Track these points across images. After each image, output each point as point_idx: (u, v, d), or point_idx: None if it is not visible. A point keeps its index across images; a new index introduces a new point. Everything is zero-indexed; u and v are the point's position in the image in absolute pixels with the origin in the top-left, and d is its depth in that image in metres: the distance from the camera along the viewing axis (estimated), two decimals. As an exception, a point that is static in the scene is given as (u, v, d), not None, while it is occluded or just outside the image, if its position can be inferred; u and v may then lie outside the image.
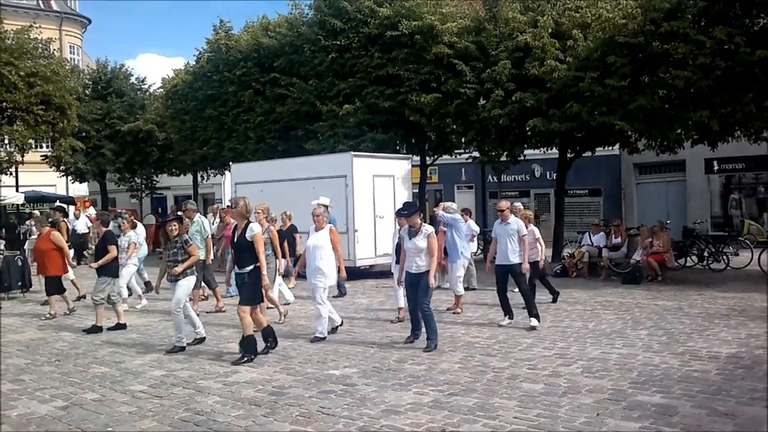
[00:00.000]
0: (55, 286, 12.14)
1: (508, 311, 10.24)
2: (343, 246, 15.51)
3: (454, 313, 11.36)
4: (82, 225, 22.59)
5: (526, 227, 10.64)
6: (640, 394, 6.45)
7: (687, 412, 5.90)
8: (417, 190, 21.26)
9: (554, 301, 12.10)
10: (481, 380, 7.10)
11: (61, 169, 31.15)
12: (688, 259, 16.87)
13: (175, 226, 9.14)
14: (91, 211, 29.15)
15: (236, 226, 8.61)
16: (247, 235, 8.22)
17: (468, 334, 9.57)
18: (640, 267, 15.00)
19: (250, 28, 23.84)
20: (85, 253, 19.98)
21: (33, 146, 25.79)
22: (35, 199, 28.89)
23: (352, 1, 19.46)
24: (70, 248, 13.41)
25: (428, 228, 8.85)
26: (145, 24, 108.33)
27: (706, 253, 16.84)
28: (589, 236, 16.80)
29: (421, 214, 9.54)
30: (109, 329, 10.59)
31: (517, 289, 10.48)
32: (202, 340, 9.38)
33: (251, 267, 8.20)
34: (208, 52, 24.49)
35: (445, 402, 6.37)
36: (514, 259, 9.97)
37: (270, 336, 8.67)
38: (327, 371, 7.67)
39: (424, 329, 8.82)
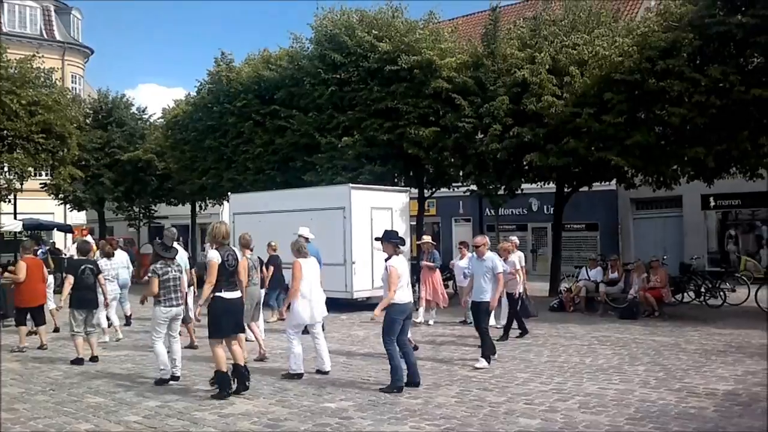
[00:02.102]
0: (20, 317, 11.72)
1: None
2: (340, 277, 15.55)
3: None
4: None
5: (506, 258, 10.61)
6: (637, 431, 6.42)
7: (684, 450, 5.88)
8: (414, 223, 21.32)
9: (521, 336, 11.99)
10: (477, 415, 7.07)
11: (59, 197, 31.18)
12: (685, 294, 16.85)
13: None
14: (89, 239, 29.15)
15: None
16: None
17: (464, 368, 9.54)
18: (638, 302, 14.99)
19: (251, 60, 24.10)
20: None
21: (32, 174, 25.87)
22: (33, 226, 28.84)
23: (353, 35, 19.70)
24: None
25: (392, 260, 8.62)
26: (146, 54, 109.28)
27: (703, 289, 16.83)
28: (587, 271, 16.81)
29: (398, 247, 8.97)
30: (71, 362, 10.27)
31: (500, 324, 10.49)
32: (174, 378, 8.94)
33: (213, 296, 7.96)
34: (209, 83, 24.69)
35: (442, 436, 6.34)
36: (485, 297, 9.67)
37: (235, 376, 8.10)
38: (323, 404, 7.63)
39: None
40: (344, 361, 10.07)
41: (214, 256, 7.93)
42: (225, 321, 7.94)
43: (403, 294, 8.45)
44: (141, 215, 34.08)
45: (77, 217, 38.25)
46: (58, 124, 23.67)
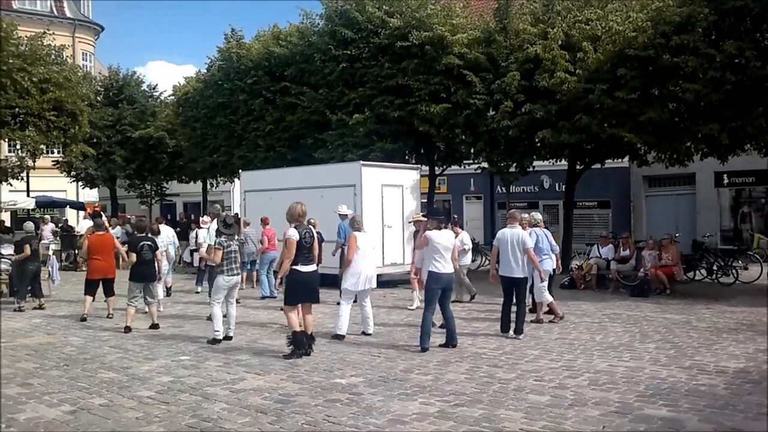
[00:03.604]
0: (88, 288, 12.60)
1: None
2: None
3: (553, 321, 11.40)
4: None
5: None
6: (647, 408, 6.43)
7: (694, 427, 5.88)
8: (425, 200, 21.30)
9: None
10: (487, 391, 7.10)
11: (71, 174, 31.39)
12: (697, 272, 16.80)
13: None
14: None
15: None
16: None
17: (475, 345, 9.57)
18: (649, 280, 14.96)
19: (261, 37, 23.99)
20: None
21: (44, 152, 25.99)
22: (46, 204, 29.08)
23: (363, 11, 19.56)
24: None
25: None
26: (155, 32, 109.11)
27: (715, 267, 16.77)
28: (598, 248, 16.76)
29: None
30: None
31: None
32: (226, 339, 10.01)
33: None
34: (219, 60, 24.64)
35: (451, 413, 6.37)
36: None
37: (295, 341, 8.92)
38: (333, 380, 7.68)
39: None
40: (354, 338, 10.10)
41: (292, 233, 8.78)
42: (300, 291, 8.90)
43: (441, 265, 9.20)
44: (152, 192, 34.25)
45: (89, 195, 38.50)
46: (69, 102, 23.71)
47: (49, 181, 32.34)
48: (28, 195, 27.95)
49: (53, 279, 15.96)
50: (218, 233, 10.11)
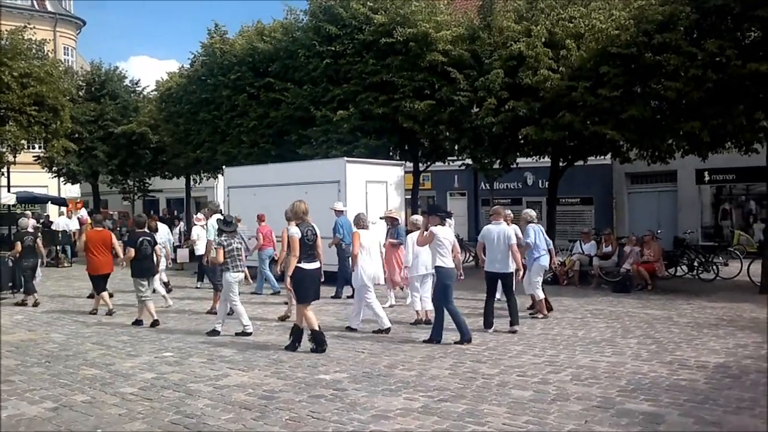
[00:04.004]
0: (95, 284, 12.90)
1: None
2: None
3: (534, 316, 11.44)
4: (74, 225, 22.83)
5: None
6: (629, 402, 6.50)
7: (674, 421, 5.95)
8: (410, 197, 21.32)
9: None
10: (470, 387, 7.14)
11: (53, 170, 31.06)
12: (679, 268, 16.96)
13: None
14: (83, 212, 29.06)
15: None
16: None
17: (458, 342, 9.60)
18: (631, 276, 15.09)
19: (245, 32, 23.87)
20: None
21: (25, 147, 25.71)
22: (27, 200, 28.76)
23: (348, 7, 19.52)
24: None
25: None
26: (137, 26, 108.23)
27: (696, 263, 16.94)
28: (580, 245, 16.88)
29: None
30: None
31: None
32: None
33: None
34: (202, 55, 24.50)
35: (435, 408, 6.40)
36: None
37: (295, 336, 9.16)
38: (317, 376, 7.69)
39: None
40: (338, 334, 10.12)
41: (295, 231, 8.90)
42: (311, 289, 9.01)
43: (447, 260, 9.44)
44: (135, 188, 33.99)
45: (71, 190, 38.16)
46: (50, 97, 23.45)
47: (30, 176, 31.99)
48: (8, 191, 27.65)
49: (35, 275, 15.82)
50: (220, 232, 10.44)
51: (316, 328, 8.97)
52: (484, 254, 10.50)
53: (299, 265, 8.84)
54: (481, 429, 5.81)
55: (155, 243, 11.86)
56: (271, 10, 57.64)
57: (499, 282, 10.49)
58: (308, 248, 8.96)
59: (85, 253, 12.79)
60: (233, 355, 8.87)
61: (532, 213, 12.09)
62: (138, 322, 11.28)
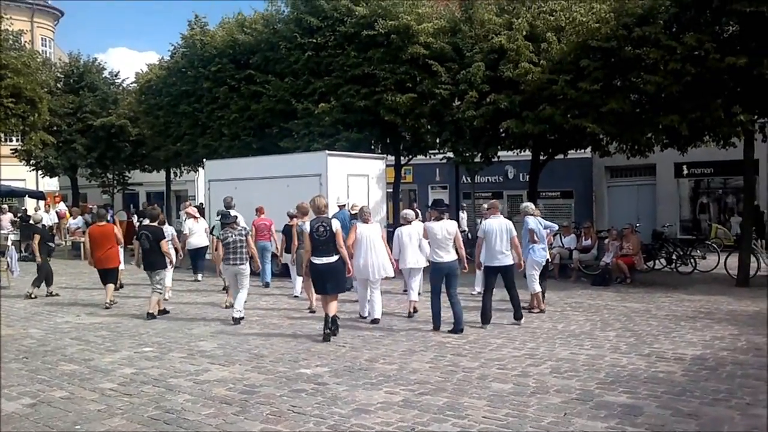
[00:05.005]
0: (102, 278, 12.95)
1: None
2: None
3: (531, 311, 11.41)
4: (50, 219, 22.61)
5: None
6: (607, 395, 6.56)
7: (652, 413, 6.01)
8: (391, 190, 21.31)
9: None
10: (451, 380, 7.17)
11: (31, 163, 30.66)
12: (657, 261, 17.12)
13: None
14: (62, 206, 28.78)
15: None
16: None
17: (439, 334, 9.64)
18: (610, 269, 15.21)
19: (225, 24, 23.66)
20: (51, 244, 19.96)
21: (2, 140, 25.38)
22: (5, 193, 28.43)
23: (329, -1, 19.44)
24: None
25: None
26: (116, 17, 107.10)
27: (674, 256, 17.11)
28: (560, 238, 16.96)
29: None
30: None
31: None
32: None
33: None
34: (182, 47, 24.25)
35: (416, 401, 6.43)
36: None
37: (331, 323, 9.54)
38: (298, 370, 7.69)
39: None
40: (320, 327, 10.10)
41: (306, 226, 9.48)
42: (318, 282, 9.58)
43: (439, 254, 9.78)
44: (115, 182, 33.67)
45: (50, 184, 37.74)
46: (28, 89, 23.11)
47: (8, 169, 31.57)
48: (-15, 184, 27.33)
49: (12, 270, 15.70)
50: (221, 225, 10.94)
51: (333, 314, 9.53)
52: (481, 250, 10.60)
53: (310, 258, 9.39)
54: (462, 422, 5.84)
55: (159, 237, 11.63)
56: (252, 2, 57.16)
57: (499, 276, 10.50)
58: (319, 243, 9.32)
59: (90, 248, 12.78)
60: (214, 350, 8.84)
61: (531, 205, 12.07)
62: (163, 311, 11.61)
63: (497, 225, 10.23)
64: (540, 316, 11.11)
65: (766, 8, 12.71)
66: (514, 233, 10.37)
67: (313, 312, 11.40)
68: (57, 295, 14.03)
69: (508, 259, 10.22)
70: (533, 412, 6.06)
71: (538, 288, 11.53)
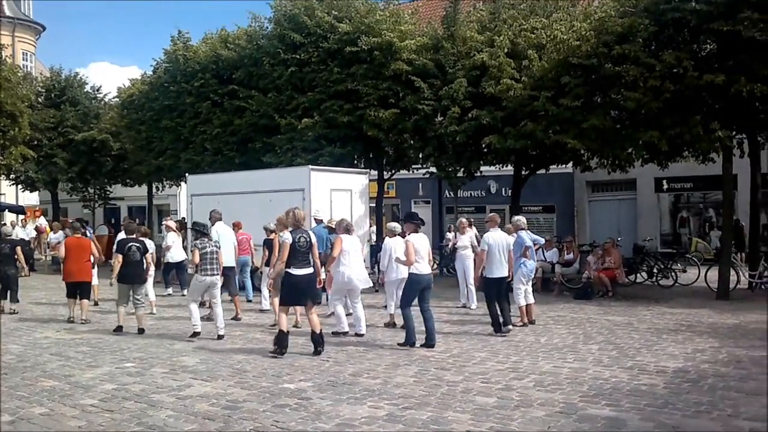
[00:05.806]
0: (68, 291, 12.74)
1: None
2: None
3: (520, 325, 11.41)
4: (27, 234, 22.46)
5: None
6: (590, 408, 6.59)
7: (635, 425, 6.04)
8: (374, 205, 21.34)
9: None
10: (435, 394, 7.17)
11: (11, 177, 30.39)
12: (638, 275, 17.26)
13: None
14: (42, 221, 28.48)
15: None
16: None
17: (423, 349, 9.63)
18: (592, 283, 15.31)
19: (208, 39, 23.66)
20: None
21: (-18, 154, 25.17)
22: (-17, 208, 28.17)
23: (312, 16, 19.53)
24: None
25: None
26: (98, 32, 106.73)
27: (655, 270, 17.25)
28: (543, 252, 17.04)
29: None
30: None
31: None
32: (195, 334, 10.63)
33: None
34: (165, 62, 24.22)
35: (400, 416, 6.41)
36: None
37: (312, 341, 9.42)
38: (282, 385, 7.65)
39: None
40: (303, 342, 10.06)
41: (287, 237, 9.20)
42: (293, 294, 9.25)
43: (420, 266, 9.74)
44: (96, 196, 33.40)
45: (30, 198, 37.38)
46: (8, 103, 23.00)
47: (-13, 184, 31.35)
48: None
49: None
50: (196, 235, 10.94)
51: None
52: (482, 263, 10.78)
53: (288, 270, 9.13)
54: (446, 436, 5.83)
55: (145, 250, 11.64)
56: (235, 17, 57.27)
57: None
58: (299, 254, 9.20)
59: (64, 261, 12.68)
60: (196, 365, 8.77)
61: (523, 219, 12.14)
62: (119, 329, 11.27)
63: (498, 238, 10.67)
64: (523, 329, 11.14)
65: (742, 27, 12.95)
66: (512, 247, 10.76)
67: (298, 327, 11.36)
68: (16, 312, 13.70)
69: (505, 271, 10.64)
70: (517, 426, 6.07)
71: (523, 302, 11.60)
